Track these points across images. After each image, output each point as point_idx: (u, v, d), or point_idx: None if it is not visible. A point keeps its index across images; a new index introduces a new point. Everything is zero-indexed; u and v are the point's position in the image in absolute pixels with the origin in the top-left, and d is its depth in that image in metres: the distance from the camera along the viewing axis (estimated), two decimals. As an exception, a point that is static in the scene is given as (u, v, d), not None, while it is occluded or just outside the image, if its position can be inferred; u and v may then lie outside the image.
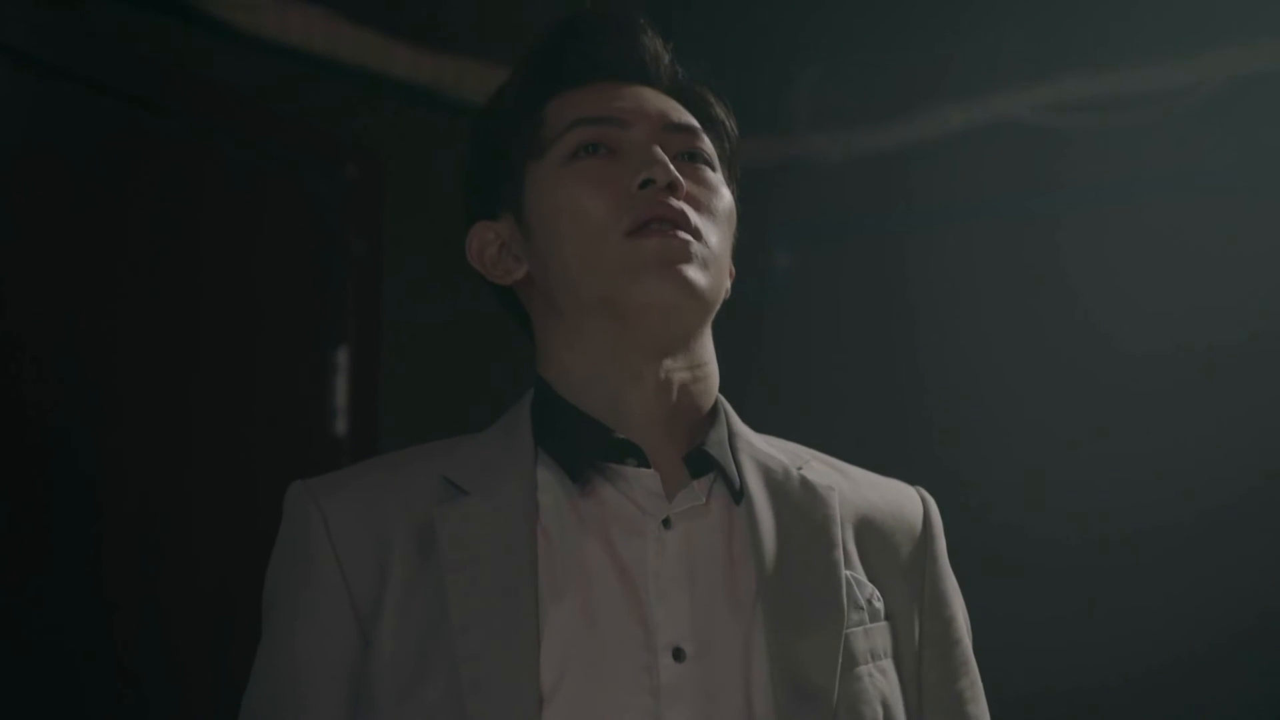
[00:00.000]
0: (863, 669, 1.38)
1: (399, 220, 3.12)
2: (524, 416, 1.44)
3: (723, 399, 1.48)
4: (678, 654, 1.34)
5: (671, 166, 1.38)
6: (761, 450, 1.46)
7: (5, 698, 2.46)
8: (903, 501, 1.50)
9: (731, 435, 1.45)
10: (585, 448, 1.40)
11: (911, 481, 1.56)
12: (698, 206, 1.39)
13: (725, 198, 1.43)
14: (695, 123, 1.45)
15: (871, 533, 1.45)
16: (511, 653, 1.31)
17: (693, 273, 1.37)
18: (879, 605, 1.42)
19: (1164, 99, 3.20)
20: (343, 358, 3.02)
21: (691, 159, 1.43)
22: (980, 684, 1.49)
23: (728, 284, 1.46)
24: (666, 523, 1.38)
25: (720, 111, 1.50)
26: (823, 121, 3.51)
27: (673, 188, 1.38)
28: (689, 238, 1.37)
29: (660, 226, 1.37)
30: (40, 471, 2.55)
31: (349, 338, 3.03)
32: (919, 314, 3.50)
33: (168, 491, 2.72)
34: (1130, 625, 3.20)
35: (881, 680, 1.40)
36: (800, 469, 1.45)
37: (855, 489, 1.48)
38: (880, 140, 3.43)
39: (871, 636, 1.40)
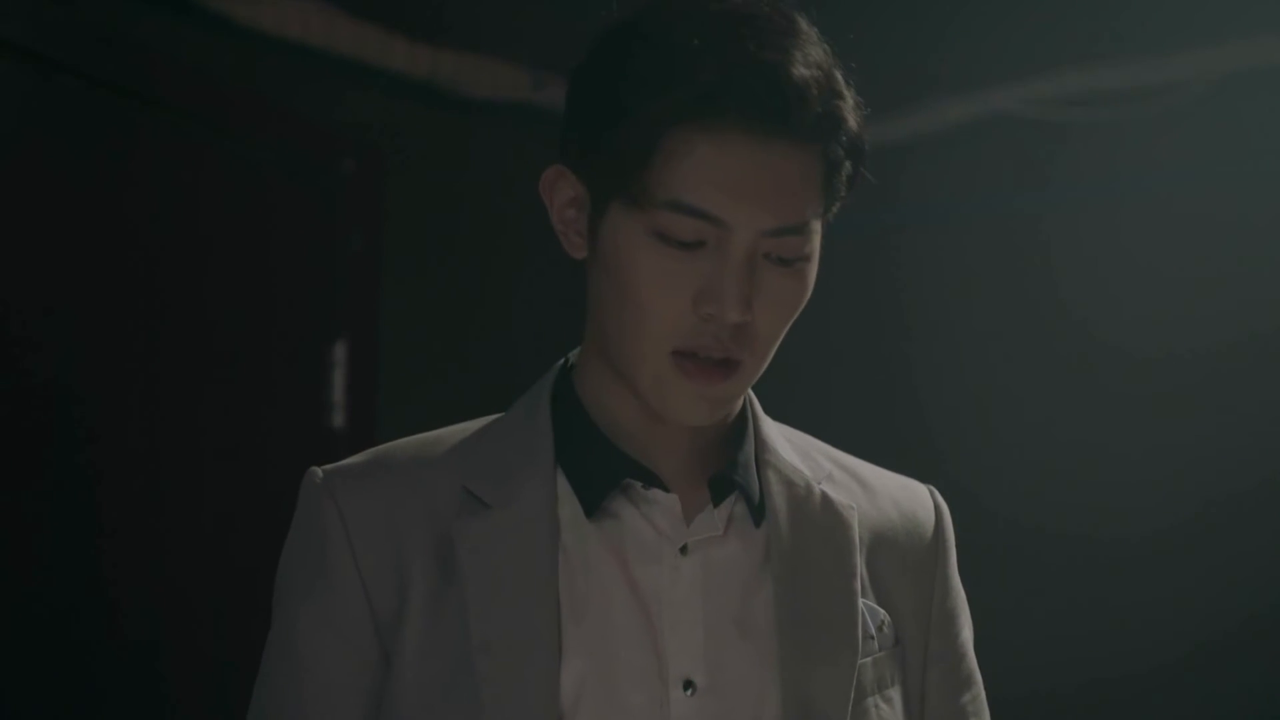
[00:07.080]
0: (870, 700, 1.39)
1: (397, 214, 3.12)
2: (545, 417, 1.40)
3: (751, 396, 1.45)
4: (688, 685, 1.33)
5: (739, 306, 1.30)
6: (786, 462, 1.43)
7: (13, 691, 2.47)
8: (917, 512, 1.48)
9: (758, 446, 1.43)
10: (604, 470, 1.37)
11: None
12: (756, 333, 1.33)
13: (803, 294, 1.35)
14: (801, 219, 1.32)
15: (886, 551, 1.44)
16: (532, 673, 1.31)
17: (722, 409, 1.36)
18: (889, 631, 1.42)
19: (1159, 94, 3.19)
20: (341, 351, 3.02)
21: (781, 262, 1.32)
22: (984, 697, 1.49)
23: None
24: (684, 549, 1.36)
25: (850, 141, 1.37)
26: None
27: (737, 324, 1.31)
28: (727, 385, 1.33)
29: (705, 362, 1.32)
30: (41, 470, 2.55)
31: (347, 331, 3.03)
32: (912, 310, 3.51)
33: (168, 487, 2.73)
34: (1127, 624, 3.21)
35: (887, 710, 1.40)
36: (821, 484, 1.43)
37: (873, 502, 1.46)
38: (873, 135, 3.43)
39: (880, 666, 1.40)
